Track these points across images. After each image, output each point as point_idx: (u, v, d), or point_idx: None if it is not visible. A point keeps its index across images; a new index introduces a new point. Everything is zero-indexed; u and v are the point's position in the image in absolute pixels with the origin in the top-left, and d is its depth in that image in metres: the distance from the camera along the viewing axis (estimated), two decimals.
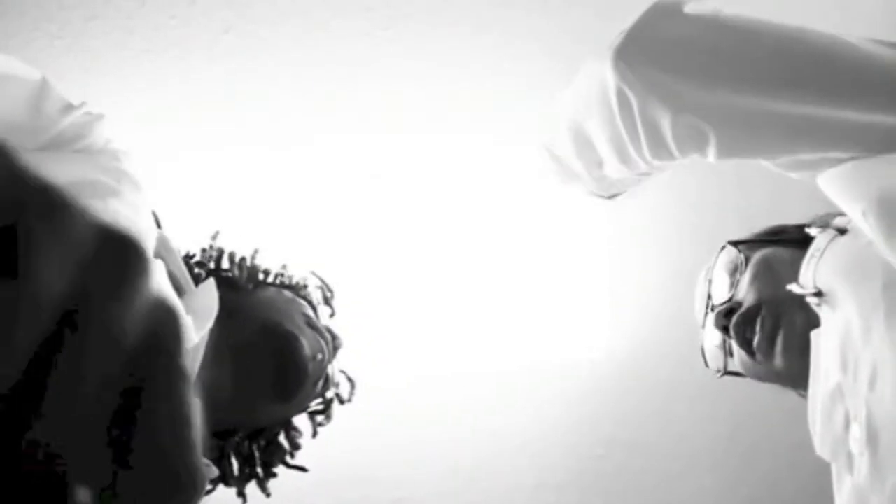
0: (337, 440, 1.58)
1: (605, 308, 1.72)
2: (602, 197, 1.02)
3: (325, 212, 1.55)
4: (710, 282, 1.02)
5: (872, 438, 0.69)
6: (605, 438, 1.76)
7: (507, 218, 1.64)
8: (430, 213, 1.60)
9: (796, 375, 0.93)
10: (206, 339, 0.76)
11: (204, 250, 0.98)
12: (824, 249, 0.80)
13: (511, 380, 1.69)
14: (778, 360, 0.92)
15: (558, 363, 1.71)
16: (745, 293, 0.95)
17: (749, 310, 0.93)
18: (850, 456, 0.74)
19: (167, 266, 0.76)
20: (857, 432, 0.72)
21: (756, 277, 0.95)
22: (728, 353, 0.99)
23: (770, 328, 0.91)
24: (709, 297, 1.01)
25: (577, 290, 1.70)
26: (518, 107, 1.55)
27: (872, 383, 0.69)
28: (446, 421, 1.67)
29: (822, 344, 0.79)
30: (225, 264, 0.97)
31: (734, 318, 0.94)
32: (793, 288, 0.81)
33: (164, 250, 0.78)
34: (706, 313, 1.02)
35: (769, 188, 1.46)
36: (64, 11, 1.27)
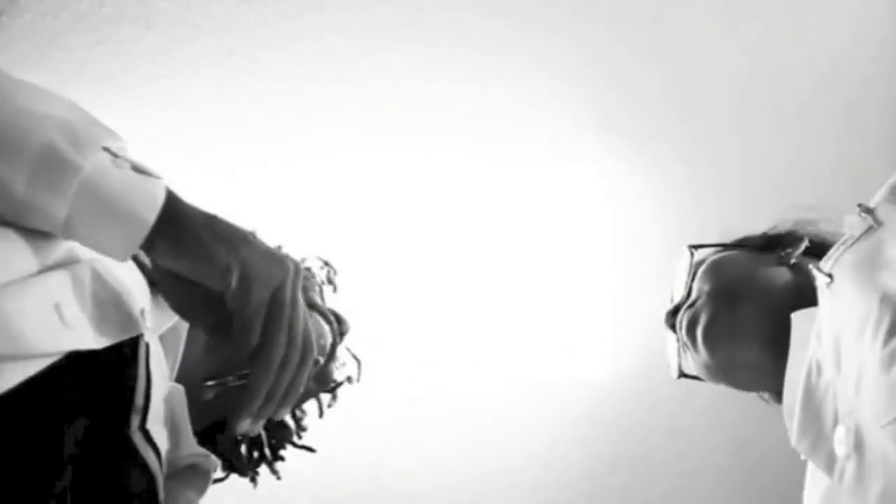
0: (339, 456, 1.58)
1: (608, 326, 1.72)
2: None
3: (328, 228, 1.55)
4: (672, 287, 1.03)
5: (860, 444, 0.69)
6: (610, 456, 1.75)
7: (511, 237, 1.64)
8: (434, 232, 1.61)
9: (725, 368, 0.92)
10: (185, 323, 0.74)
11: None
12: (858, 238, 0.76)
13: (515, 398, 1.69)
14: (701, 352, 0.92)
15: (562, 381, 1.71)
16: (695, 292, 0.96)
17: (691, 305, 0.94)
18: (831, 455, 0.73)
19: (140, 258, 0.76)
20: (842, 434, 0.71)
21: (704, 276, 0.96)
22: (681, 353, 1.00)
23: (691, 319, 0.92)
24: (671, 301, 1.02)
25: (581, 309, 1.70)
26: (523, 127, 1.56)
27: (858, 388, 0.69)
28: (451, 438, 1.67)
29: (823, 330, 0.77)
30: None
31: (679, 315, 0.95)
32: (812, 267, 0.79)
33: None
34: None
35: (775, 203, 1.46)
36: (70, 36, 1.29)
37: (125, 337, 0.62)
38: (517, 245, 1.64)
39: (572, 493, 1.73)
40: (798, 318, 0.82)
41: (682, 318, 0.95)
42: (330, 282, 1.04)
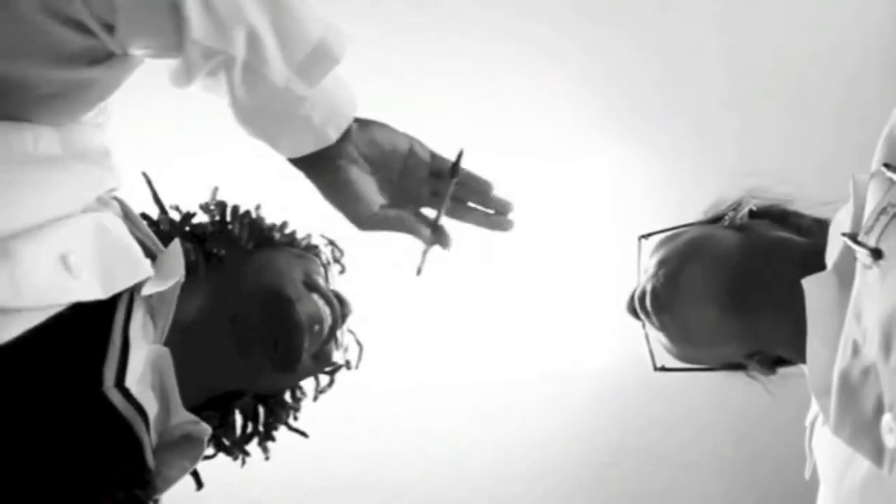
0: (341, 446, 1.57)
1: (611, 316, 1.72)
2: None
3: (329, 217, 1.55)
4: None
5: None
6: (611, 446, 1.76)
7: (515, 228, 1.64)
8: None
9: (686, 333, 0.91)
10: (177, 288, 0.75)
11: (206, 206, 0.95)
12: None
13: (517, 388, 1.69)
14: (661, 319, 0.91)
15: (564, 372, 1.71)
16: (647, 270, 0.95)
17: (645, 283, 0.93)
18: (879, 446, 0.68)
19: (134, 232, 0.78)
20: (891, 423, 0.66)
21: (652, 253, 0.96)
22: (649, 340, 0.99)
23: (643, 290, 0.92)
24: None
25: (584, 299, 1.70)
26: (524, 117, 1.56)
27: None
28: (453, 428, 1.67)
29: (865, 311, 0.70)
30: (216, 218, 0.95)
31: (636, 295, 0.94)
32: (846, 238, 0.70)
33: (128, 217, 0.79)
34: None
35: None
36: None
37: (133, 283, 0.67)
38: (519, 235, 1.63)
39: (574, 483, 1.73)
40: (811, 284, 0.76)
41: (638, 295, 0.94)
42: (337, 261, 1.03)
